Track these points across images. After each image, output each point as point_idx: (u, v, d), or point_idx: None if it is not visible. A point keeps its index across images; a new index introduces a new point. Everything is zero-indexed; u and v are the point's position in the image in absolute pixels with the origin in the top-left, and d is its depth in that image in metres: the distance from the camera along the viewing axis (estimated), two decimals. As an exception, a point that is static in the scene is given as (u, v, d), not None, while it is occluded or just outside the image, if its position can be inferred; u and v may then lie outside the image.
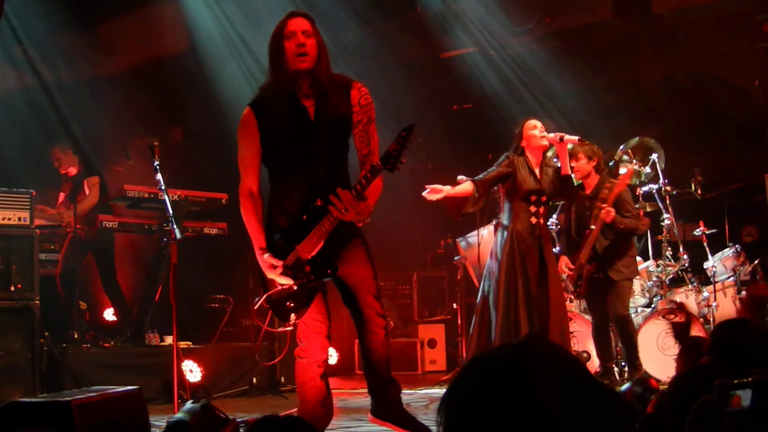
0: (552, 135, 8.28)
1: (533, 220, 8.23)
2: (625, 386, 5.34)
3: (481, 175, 8.22)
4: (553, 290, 8.22)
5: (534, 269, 8.14)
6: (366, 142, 5.56)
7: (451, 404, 2.03)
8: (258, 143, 5.60)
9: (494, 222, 8.59)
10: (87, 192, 10.58)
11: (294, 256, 5.50)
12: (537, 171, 8.28)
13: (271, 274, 5.51)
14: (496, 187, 8.34)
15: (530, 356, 2.01)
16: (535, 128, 8.29)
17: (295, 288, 5.52)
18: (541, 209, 8.30)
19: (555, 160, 8.60)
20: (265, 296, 5.66)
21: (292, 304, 5.57)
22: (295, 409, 7.87)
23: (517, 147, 8.32)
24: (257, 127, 5.57)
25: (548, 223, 9.89)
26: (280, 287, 5.56)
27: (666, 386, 4.22)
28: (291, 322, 5.66)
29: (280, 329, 5.85)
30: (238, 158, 5.70)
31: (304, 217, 5.50)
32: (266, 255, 5.50)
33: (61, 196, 10.73)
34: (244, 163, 5.69)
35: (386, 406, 5.80)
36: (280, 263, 5.47)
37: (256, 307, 5.71)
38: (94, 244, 10.50)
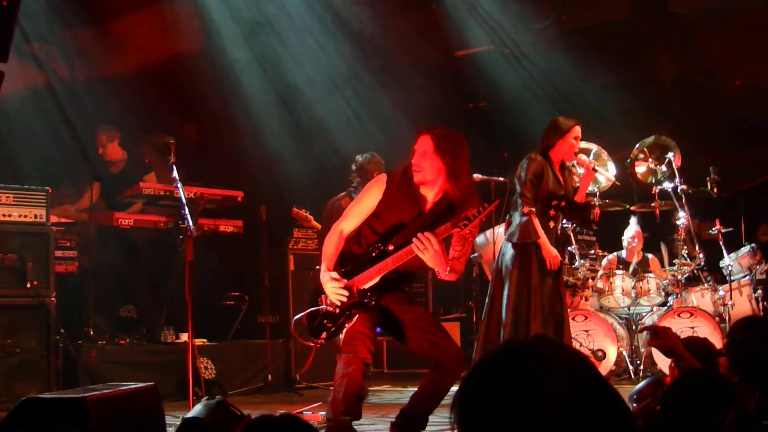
0: (587, 159, 8.10)
1: (551, 224, 8.06)
2: (641, 384, 5.33)
3: (527, 194, 7.94)
4: (564, 294, 8.17)
5: (551, 276, 8.04)
6: (460, 245, 5.84)
7: (463, 402, 2.07)
8: (373, 207, 6.06)
9: (507, 217, 8.46)
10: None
11: (350, 283, 5.98)
12: (559, 173, 8.09)
13: (330, 285, 5.94)
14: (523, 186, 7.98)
15: (539, 357, 2.06)
16: (578, 140, 8.04)
17: (337, 311, 5.97)
18: (559, 214, 8.14)
19: (574, 164, 8.40)
20: (308, 311, 6.14)
21: (328, 324, 6.02)
22: (318, 404, 7.96)
23: (549, 147, 8.04)
24: (380, 197, 6.03)
25: (564, 221, 9.87)
26: (324, 307, 6.03)
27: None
28: (319, 341, 6.11)
29: (309, 343, 6.22)
30: (353, 203, 6.26)
31: (374, 254, 5.98)
32: (332, 273, 5.98)
33: (95, 188, 10.63)
34: (354, 211, 6.15)
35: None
36: (342, 279, 5.95)
37: (295, 318, 6.23)
38: (112, 241, 10.50)
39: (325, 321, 6.02)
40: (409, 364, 10.42)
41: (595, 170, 8.07)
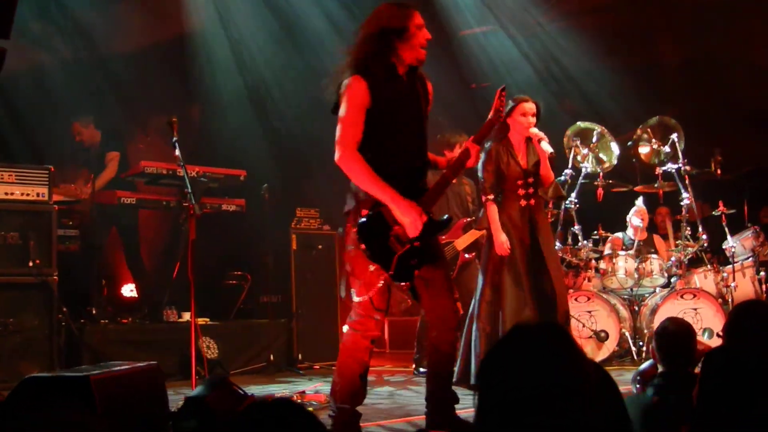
0: (535, 132, 7.90)
1: (523, 203, 7.95)
2: (644, 365, 5.34)
3: (485, 184, 7.94)
4: (553, 271, 8.07)
5: (524, 254, 7.92)
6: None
7: (484, 377, 2.22)
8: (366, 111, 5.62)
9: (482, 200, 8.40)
10: (107, 167, 10.57)
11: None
12: (519, 154, 7.98)
13: (413, 222, 5.51)
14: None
15: (547, 340, 2.22)
16: (525, 116, 7.93)
17: (417, 243, 5.55)
18: (530, 190, 7.99)
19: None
20: (398, 255, 5.56)
21: (414, 262, 5.58)
22: (319, 384, 7.90)
23: (502, 127, 7.93)
24: (370, 96, 5.58)
25: (568, 202, 9.85)
26: (407, 246, 5.55)
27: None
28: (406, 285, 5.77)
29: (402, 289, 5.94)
30: (351, 124, 5.61)
31: (414, 172, 5.74)
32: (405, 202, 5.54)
33: (82, 171, 10.72)
34: (358, 128, 5.61)
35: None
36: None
37: (392, 272, 5.54)
38: (115, 220, 10.51)
39: (411, 260, 5.56)
40: (412, 344, 10.39)
41: (539, 143, 7.88)
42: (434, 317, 5.80)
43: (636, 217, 11.28)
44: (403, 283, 5.71)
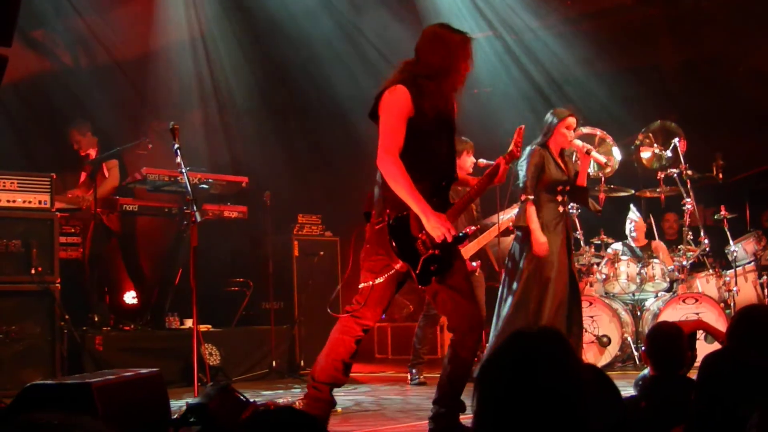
0: (580, 144, 8.35)
1: (560, 209, 8.33)
2: (647, 370, 5.34)
3: (527, 183, 8.23)
4: (575, 277, 8.35)
5: (564, 260, 8.22)
6: None
7: (484, 382, 2.24)
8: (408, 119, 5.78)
9: (522, 199, 8.52)
10: (106, 175, 10.57)
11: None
12: (559, 160, 8.35)
13: (442, 236, 5.64)
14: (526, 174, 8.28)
15: (550, 346, 2.24)
16: (569, 129, 8.34)
17: (438, 251, 5.72)
18: (566, 198, 8.39)
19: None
20: (423, 257, 5.72)
21: (434, 268, 5.75)
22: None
23: (546, 137, 8.37)
24: (413, 105, 5.73)
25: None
26: (430, 251, 5.72)
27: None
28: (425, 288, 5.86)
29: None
30: (394, 130, 5.73)
31: (443, 183, 5.89)
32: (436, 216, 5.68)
33: (82, 177, 10.72)
34: (400, 134, 5.73)
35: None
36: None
37: (418, 271, 5.70)
38: (116, 227, 10.52)
39: (432, 266, 5.73)
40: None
41: (588, 154, 8.31)
42: (458, 322, 5.87)
43: (632, 228, 11.36)
44: (422, 287, 5.80)
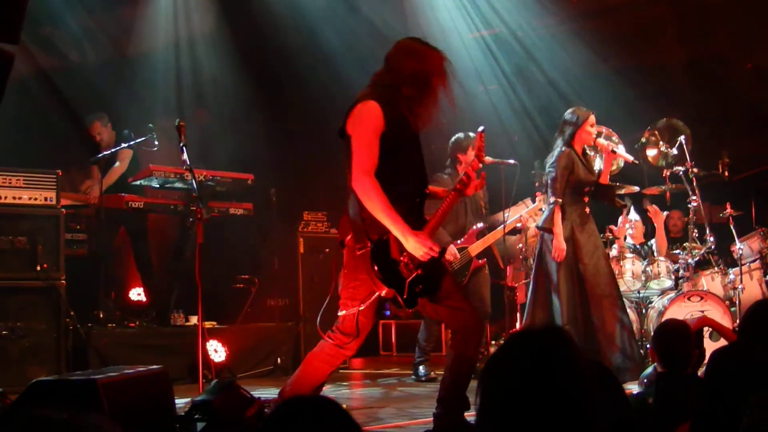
0: (605, 143, 8.46)
1: (587, 210, 8.52)
2: (652, 368, 5.35)
3: (556, 186, 8.36)
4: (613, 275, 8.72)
5: (599, 262, 8.50)
6: None
7: (488, 380, 2.24)
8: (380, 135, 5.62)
9: (551, 201, 8.56)
10: (118, 164, 10.57)
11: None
12: (584, 160, 8.50)
13: (426, 255, 5.53)
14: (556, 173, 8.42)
15: (557, 345, 2.24)
16: (593, 126, 8.46)
17: (420, 271, 5.62)
18: (589, 198, 8.56)
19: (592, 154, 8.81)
20: (408, 280, 5.61)
21: (419, 289, 5.64)
22: (327, 386, 7.92)
23: (571, 137, 8.45)
24: (384, 121, 5.59)
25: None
26: (414, 272, 5.61)
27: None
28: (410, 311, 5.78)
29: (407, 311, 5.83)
30: (369, 149, 5.58)
31: (417, 200, 5.75)
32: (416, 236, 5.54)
33: (95, 170, 10.67)
34: (375, 152, 5.58)
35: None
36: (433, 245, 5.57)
37: (406, 296, 5.58)
38: (123, 224, 10.52)
39: (417, 287, 5.62)
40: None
41: (614, 152, 8.48)
42: (457, 325, 5.84)
43: (630, 229, 11.36)
44: (409, 309, 5.69)
